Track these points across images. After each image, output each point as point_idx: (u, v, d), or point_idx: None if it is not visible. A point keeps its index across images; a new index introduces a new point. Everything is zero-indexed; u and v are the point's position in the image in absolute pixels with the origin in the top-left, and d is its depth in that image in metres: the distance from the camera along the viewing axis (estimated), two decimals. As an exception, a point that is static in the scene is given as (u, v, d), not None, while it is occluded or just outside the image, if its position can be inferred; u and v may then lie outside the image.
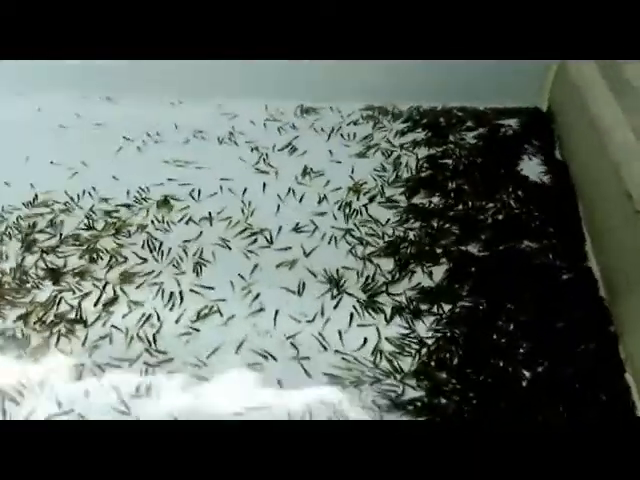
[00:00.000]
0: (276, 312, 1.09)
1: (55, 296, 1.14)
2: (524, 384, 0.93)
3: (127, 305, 1.13)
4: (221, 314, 1.10)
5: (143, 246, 1.25)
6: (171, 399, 0.97)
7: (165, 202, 1.36)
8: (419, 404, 0.92)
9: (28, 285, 1.17)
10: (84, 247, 1.26)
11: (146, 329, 1.08)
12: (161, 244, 1.25)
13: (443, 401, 0.92)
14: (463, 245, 1.19)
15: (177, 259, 1.21)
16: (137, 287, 1.16)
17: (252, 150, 1.51)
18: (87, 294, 1.15)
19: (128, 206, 1.35)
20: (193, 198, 1.37)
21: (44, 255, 1.23)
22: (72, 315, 1.11)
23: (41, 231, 1.29)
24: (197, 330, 1.07)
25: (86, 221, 1.32)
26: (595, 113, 1.23)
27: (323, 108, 1.65)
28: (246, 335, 1.06)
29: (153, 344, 1.05)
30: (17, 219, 1.31)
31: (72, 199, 1.37)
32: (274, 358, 1.02)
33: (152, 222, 1.31)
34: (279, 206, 1.33)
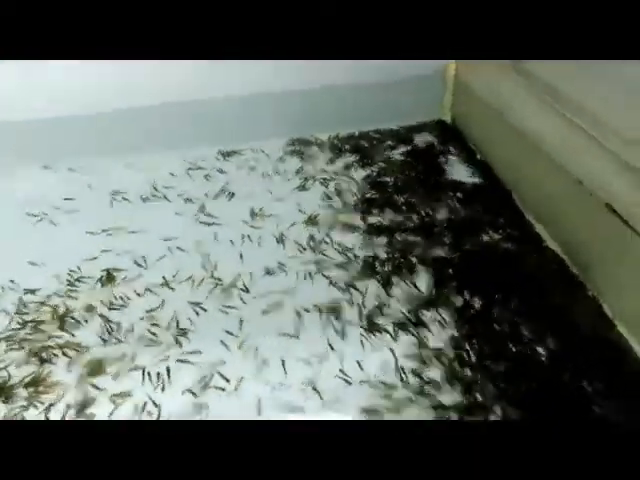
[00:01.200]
0: (283, 361, 1.02)
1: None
2: (544, 360, 0.99)
3: (110, 401, 0.96)
4: (226, 379, 0.99)
5: (103, 331, 1.08)
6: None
7: (109, 277, 1.21)
8: (461, 406, 0.92)
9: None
10: (26, 349, 1.05)
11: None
12: (119, 324, 1.10)
13: (480, 398, 0.94)
14: (432, 251, 1.24)
15: (148, 334, 1.07)
16: (114, 377, 1.00)
17: (186, 202, 1.42)
18: (51, 405, 0.96)
19: (64, 292, 1.17)
20: (140, 266, 1.23)
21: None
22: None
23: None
24: (205, 406, 0.95)
25: (18, 318, 1.11)
26: (503, 112, 1.39)
27: (244, 149, 1.62)
28: (261, 394, 0.97)
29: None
30: None
31: (-12, 298, 1.15)
32: (301, 410, 0.94)
33: (101, 302, 1.15)
34: (241, 254, 1.26)
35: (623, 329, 1.02)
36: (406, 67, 1.56)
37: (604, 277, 1.07)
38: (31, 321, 1.10)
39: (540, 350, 1.01)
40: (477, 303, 1.11)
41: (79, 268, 1.23)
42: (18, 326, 1.09)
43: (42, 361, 1.03)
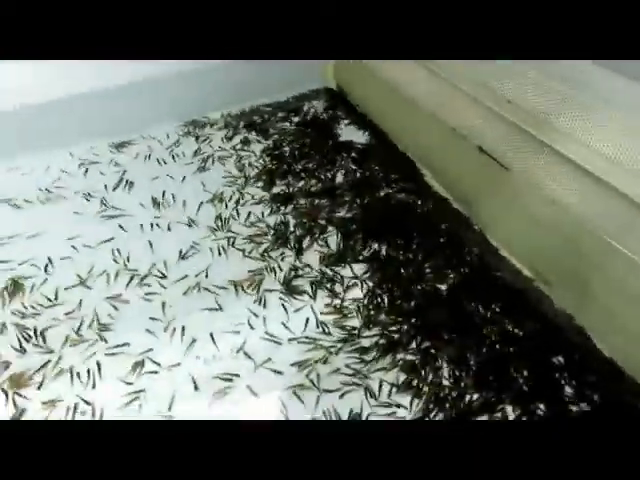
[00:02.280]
0: (211, 335, 1.06)
1: None
2: (445, 293, 1.12)
3: (41, 409, 0.95)
4: (157, 363, 1.01)
5: (20, 342, 1.05)
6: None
7: (15, 285, 1.15)
8: (382, 344, 1.02)
9: None
10: None
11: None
12: (36, 330, 1.07)
13: (397, 336, 1.05)
14: (337, 211, 1.33)
15: (71, 336, 1.06)
16: (39, 387, 0.98)
17: (84, 198, 1.38)
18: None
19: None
20: (46, 271, 1.19)
21: None
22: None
23: None
24: (142, 391, 0.97)
25: None
26: (385, 77, 1.49)
27: (135, 139, 1.58)
28: (195, 371, 1.00)
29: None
30: None
31: None
32: (237, 375, 0.99)
33: (12, 313, 1.10)
34: (150, 242, 1.25)
35: (505, 253, 1.19)
36: None
37: (484, 211, 1.22)
38: None
39: (441, 286, 1.14)
40: (383, 251, 1.22)
41: (-26, 281, 1.17)
42: None
43: (-45, 384, 0.98)
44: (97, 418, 0.93)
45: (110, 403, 0.95)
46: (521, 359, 0.98)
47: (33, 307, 1.11)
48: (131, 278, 1.17)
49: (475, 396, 0.94)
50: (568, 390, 0.94)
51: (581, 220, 0.97)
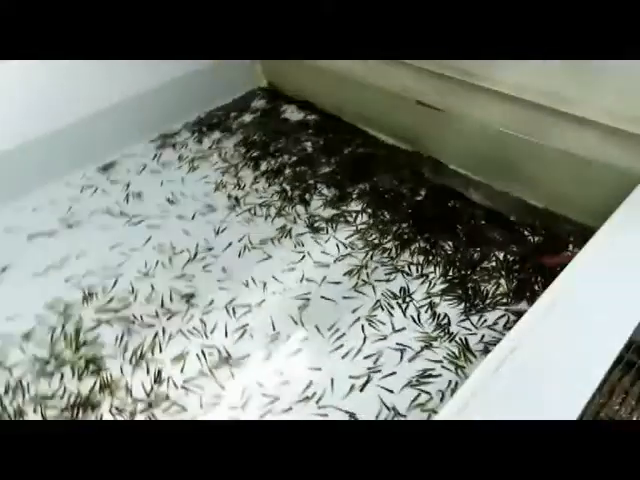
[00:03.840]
0: (274, 276, 1.35)
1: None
2: (421, 200, 1.53)
3: (171, 364, 1.18)
4: (247, 305, 1.29)
5: (123, 330, 1.25)
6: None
7: (89, 293, 1.33)
8: (397, 244, 1.40)
9: None
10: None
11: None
12: (133, 316, 1.27)
13: (405, 236, 1.43)
14: (319, 171, 1.67)
15: (161, 312, 1.28)
16: (160, 351, 1.20)
17: (108, 215, 1.55)
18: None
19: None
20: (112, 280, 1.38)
21: None
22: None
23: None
24: (246, 325, 1.24)
25: None
26: (315, 64, 1.86)
27: (118, 159, 1.76)
28: (278, 300, 1.29)
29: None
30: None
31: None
32: (309, 293, 1.30)
33: (99, 311, 1.28)
34: (184, 230, 1.49)
35: (453, 167, 1.63)
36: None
37: (430, 143, 1.66)
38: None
39: (417, 197, 1.55)
40: (367, 188, 1.60)
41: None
42: None
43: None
44: (224, 355, 1.18)
45: (226, 341, 1.21)
46: (478, 221, 1.43)
47: (115, 304, 1.31)
48: (186, 260, 1.41)
49: (471, 252, 1.36)
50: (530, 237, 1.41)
51: (504, 128, 1.43)
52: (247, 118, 1.95)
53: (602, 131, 1.25)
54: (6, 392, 1.14)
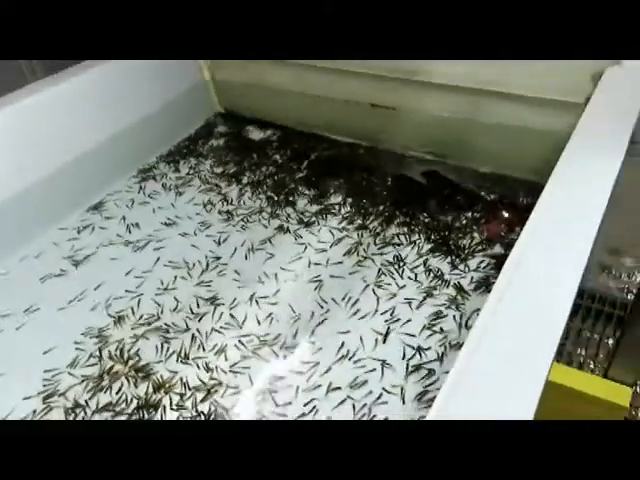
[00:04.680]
0: (282, 267, 1.52)
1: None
2: (390, 185, 1.77)
3: (214, 356, 1.31)
4: (265, 297, 1.45)
5: (163, 339, 1.37)
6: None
7: (119, 317, 1.43)
8: (382, 222, 1.62)
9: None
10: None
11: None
12: (165, 325, 1.39)
13: (386, 214, 1.65)
14: (296, 176, 1.87)
15: (190, 316, 1.41)
16: (199, 348, 1.34)
17: (112, 245, 1.66)
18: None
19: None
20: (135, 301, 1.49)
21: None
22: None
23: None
24: (271, 314, 1.40)
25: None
26: (269, 85, 2.07)
27: (105, 198, 1.87)
28: (291, 287, 1.46)
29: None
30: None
31: None
32: (320, 275, 1.48)
33: (133, 328, 1.39)
34: (192, 245, 1.63)
35: (413, 154, 1.89)
36: (164, 91, 2.07)
37: (388, 138, 1.91)
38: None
39: (385, 183, 1.79)
40: (340, 183, 1.82)
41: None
42: (96, 378, 1.28)
43: (144, 376, 1.27)
44: (260, 339, 1.33)
45: (258, 329, 1.36)
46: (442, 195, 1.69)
47: (145, 320, 1.42)
48: (200, 271, 1.55)
49: (444, 217, 1.61)
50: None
51: (448, 114, 1.71)
52: (215, 142, 2.13)
53: (529, 103, 1.56)
54: (68, 414, 1.22)
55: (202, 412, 1.19)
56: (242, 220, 1.72)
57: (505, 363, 0.70)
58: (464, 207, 1.63)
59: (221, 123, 2.25)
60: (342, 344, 1.29)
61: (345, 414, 1.13)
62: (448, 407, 0.65)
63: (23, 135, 1.68)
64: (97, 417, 1.21)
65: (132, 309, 1.45)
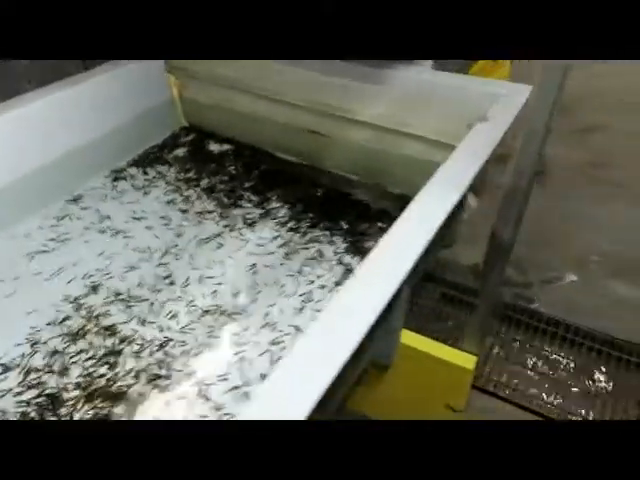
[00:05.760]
0: (230, 256, 1.92)
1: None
2: (321, 197, 2.20)
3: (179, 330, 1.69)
4: (212, 278, 1.84)
5: (127, 305, 1.73)
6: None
7: (93, 287, 1.79)
8: (307, 225, 2.05)
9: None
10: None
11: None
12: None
13: (313, 221, 2.07)
14: (245, 184, 2.27)
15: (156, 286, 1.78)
16: (168, 316, 1.71)
17: (89, 229, 2.01)
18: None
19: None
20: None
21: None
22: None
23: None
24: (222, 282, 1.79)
25: None
26: (229, 107, 2.47)
27: (83, 193, 2.21)
28: (237, 273, 1.86)
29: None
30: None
31: None
32: (254, 265, 1.88)
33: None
34: (155, 235, 2.00)
35: (342, 172, 2.33)
36: (136, 105, 2.44)
37: (324, 161, 2.34)
38: None
39: (317, 193, 2.22)
40: (280, 193, 2.23)
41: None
42: None
43: (112, 332, 1.64)
44: (204, 309, 1.72)
45: (204, 301, 1.75)
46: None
47: (114, 291, 1.78)
48: (160, 255, 1.92)
49: (360, 224, 2.04)
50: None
51: (367, 144, 2.16)
52: (179, 152, 2.50)
53: (424, 141, 2.03)
54: (50, 356, 1.57)
55: (158, 359, 1.56)
56: (198, 217, 2.10)
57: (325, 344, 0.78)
58: (374, 219, 2.08)
59: (185, 135, 2.63)
60: (267, 313, 1.69)
61: (264, 360, 1.54)
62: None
63: (23, 131, 2.02)
64: (75, 360, 1.56)
65: (103, 282, 1.81)
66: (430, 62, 2.37)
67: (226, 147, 2.54)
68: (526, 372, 2.43)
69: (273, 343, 1.60)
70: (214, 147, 2.55)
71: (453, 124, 1.94)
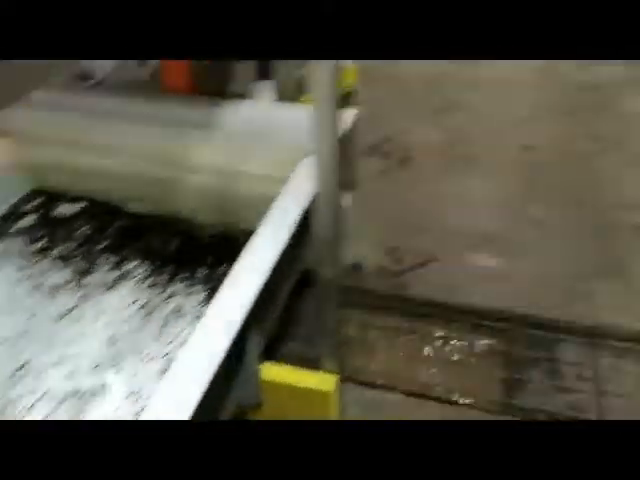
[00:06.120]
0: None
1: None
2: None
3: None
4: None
5: None
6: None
7: None
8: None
9: None
10: None
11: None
12: None
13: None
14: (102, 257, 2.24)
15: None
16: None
17: None
18: None
19: None
20: None
21: None
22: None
23: None
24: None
25: None
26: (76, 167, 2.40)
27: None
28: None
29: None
30: None
31: None
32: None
33: None
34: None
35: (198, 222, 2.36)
36: None
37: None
38: None
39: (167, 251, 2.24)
40: (137, 261, 2.23)
41: None
42: None
43: None
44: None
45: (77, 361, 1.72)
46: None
47: None
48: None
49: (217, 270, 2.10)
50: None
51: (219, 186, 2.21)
52: (27, 220, 2.40)
53: (262, 178, 2.13)
54: None
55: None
56: (52, 291, 2.05)
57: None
58: (231, 259, 2.14)
59: (34, 199, 2.52)
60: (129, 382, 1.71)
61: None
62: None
63: None
64: None
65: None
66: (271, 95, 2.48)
67: (80, 206, 2.48)
68: (399, 355, 2.53)
69: (137, 414, 1.62)
70: (66, 207, 2.47)
71: (281, 162, 2.07)
